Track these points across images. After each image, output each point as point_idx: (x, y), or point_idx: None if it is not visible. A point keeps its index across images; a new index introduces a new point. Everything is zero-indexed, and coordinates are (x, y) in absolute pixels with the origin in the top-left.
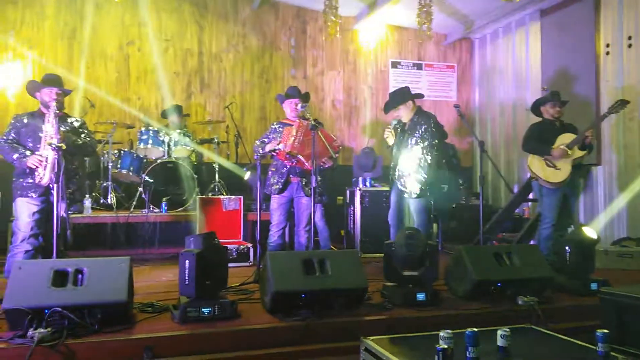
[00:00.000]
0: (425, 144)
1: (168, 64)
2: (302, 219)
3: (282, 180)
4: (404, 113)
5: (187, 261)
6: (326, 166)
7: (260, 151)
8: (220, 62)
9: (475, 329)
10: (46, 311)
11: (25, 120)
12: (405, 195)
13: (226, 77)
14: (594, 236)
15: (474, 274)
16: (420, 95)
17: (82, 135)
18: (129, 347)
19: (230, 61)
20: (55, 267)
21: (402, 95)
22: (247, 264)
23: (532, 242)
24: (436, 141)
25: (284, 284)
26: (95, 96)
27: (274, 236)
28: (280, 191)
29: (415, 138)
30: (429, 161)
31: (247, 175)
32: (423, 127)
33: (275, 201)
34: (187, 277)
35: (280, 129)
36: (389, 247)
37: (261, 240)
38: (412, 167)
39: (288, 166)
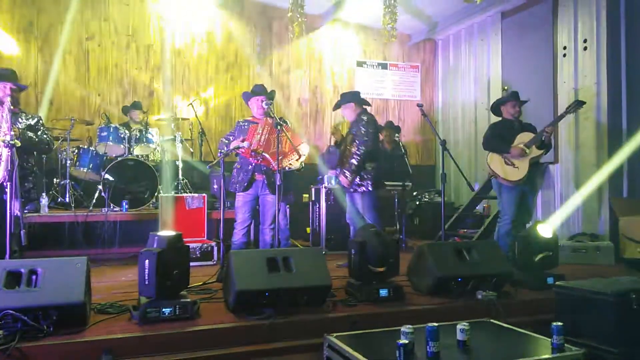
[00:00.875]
0: (358, 141)
1: (130, 60)
2: (267, 217)
3: (247, 178)
4: (348, 113)
5: (147, 261)
6: (292, 168)
7: (225, 148)
8: (184, 59)
9: (435, 324)
10: None
11: None
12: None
13: (190, 73)
14: (549, 234)
15: (436, 270)
16: (365, 102)
17: (39, 133)
18: (86, 349)
19: (194, 58)
20: (8, 267)
21: (347, 97)
22: (210, 262)
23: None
24: (366, 139)
25: (247, 283)
26: (53, 92)
27: (238, 234)
28: (245, 189)
29: (352, 137)
30: (360, 158)
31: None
32: (358, 126)
33: (240, 199)
34: (146, 277)
35: (246, 127)
36: (359, 244)
37: (225, 239)
38: (347, 164)
39: (253, 164)
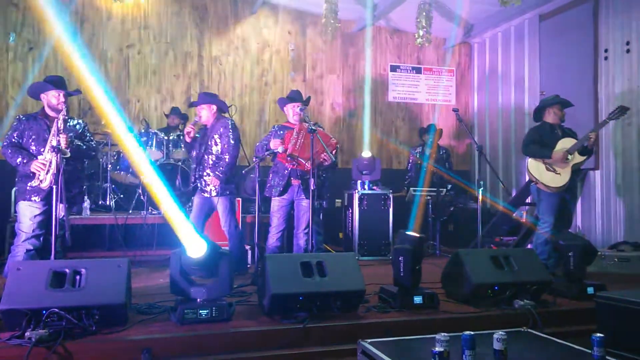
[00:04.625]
0: (224, 144)
1: (168, 67)
2: (301, 221)
3: (283, 183)
4: (205, 114)
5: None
6: (326, 164)
7: (260, 154)
8: (220, 66)
9: (472, 332)
10: (44, 312)
11: (28, 123)
12: (206, 195)
13: (226, 80)
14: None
15: (472, 277)
16: (225, 106)
17: (85, 139)
18: (126, 348)
19: (230, 64)
20: (54, 268)
21: (211, 97)
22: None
23: (529, 246)
24: (233, 142)
25: (281, 286)
26: (94, 98)
27: (272, 238)
28: (281, 193)
29: (214, 139)
30: (227, 160)
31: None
32: (221, 129)
33: (276, 203)
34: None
35: (281, 132)
36: (411, 251)
37: (259, 243)
38: (212, 167)
39: (289, 169)
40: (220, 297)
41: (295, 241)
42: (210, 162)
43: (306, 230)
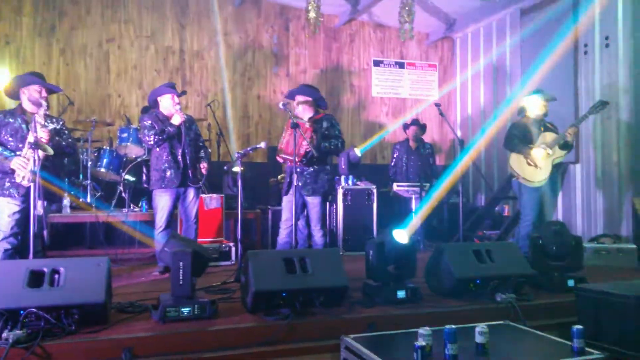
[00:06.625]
0: (199, 134)
1: (149, 62)
2: (312, 218)
3: (287, 181)
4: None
5: (180, 262)
6: (307, 151)
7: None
8: (202, 60)
9: (454, 326)
10: (21, 312)
11: (4, 119)
12: (194, 186)
13: (208, 75)
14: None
15: (454, 271)
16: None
17: (63, 137)
18: (106, 347)
19: (212, 59)
20: (31, 267)
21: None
22: (228, 263)
23: (511, 240)
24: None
25: (264, 283)
26: (74, 94)
27: (282, 234)
28: (286, 192)
29: (193, 130)
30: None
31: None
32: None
33: (285, 200)
34: (181, 277)
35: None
36: (378, 245)
37: (242, 239)
38: (196, 158)
39: (289, 166)
40: (179, 297)
41: (312, 239)
42: (194, 153)
43: (318, 227)
